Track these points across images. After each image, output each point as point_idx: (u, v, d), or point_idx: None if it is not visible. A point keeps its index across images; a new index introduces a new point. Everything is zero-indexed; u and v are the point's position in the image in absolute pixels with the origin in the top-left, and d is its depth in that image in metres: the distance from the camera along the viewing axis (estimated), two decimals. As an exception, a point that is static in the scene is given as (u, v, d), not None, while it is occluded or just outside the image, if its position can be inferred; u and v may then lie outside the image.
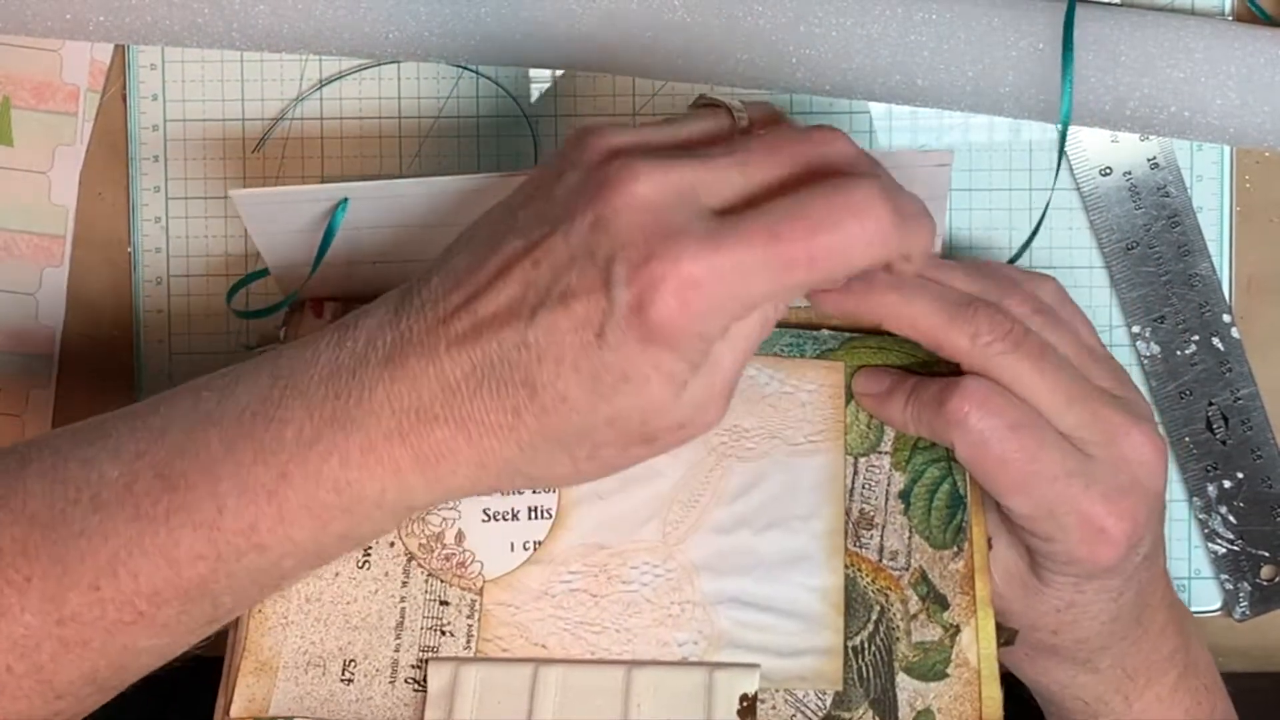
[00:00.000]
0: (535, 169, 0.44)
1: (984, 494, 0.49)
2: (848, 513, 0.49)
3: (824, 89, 0.57)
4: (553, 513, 0.49)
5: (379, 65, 0.59)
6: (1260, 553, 0.59)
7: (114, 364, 0.60)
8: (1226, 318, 0.58)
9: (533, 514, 0.49)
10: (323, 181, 0.59)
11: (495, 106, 0.59)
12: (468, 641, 0.48)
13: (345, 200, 0.50)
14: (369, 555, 0.49)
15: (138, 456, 0.44)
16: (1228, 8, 0.58)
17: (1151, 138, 0.58)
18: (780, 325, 0.50)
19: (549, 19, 0.57)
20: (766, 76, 0.57)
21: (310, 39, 0.58)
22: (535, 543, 0.49)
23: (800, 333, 0.51)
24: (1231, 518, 0.59)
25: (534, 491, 0.49)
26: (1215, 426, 0.58)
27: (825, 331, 0.51)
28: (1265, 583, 0.59)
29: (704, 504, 0.47)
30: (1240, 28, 0.56)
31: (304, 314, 0.53)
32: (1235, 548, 0.59)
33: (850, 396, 0.50)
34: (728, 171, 0.41)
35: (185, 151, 0.59)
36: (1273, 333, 0.59)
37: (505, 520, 0.49)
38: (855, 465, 0.50)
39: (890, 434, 0.50)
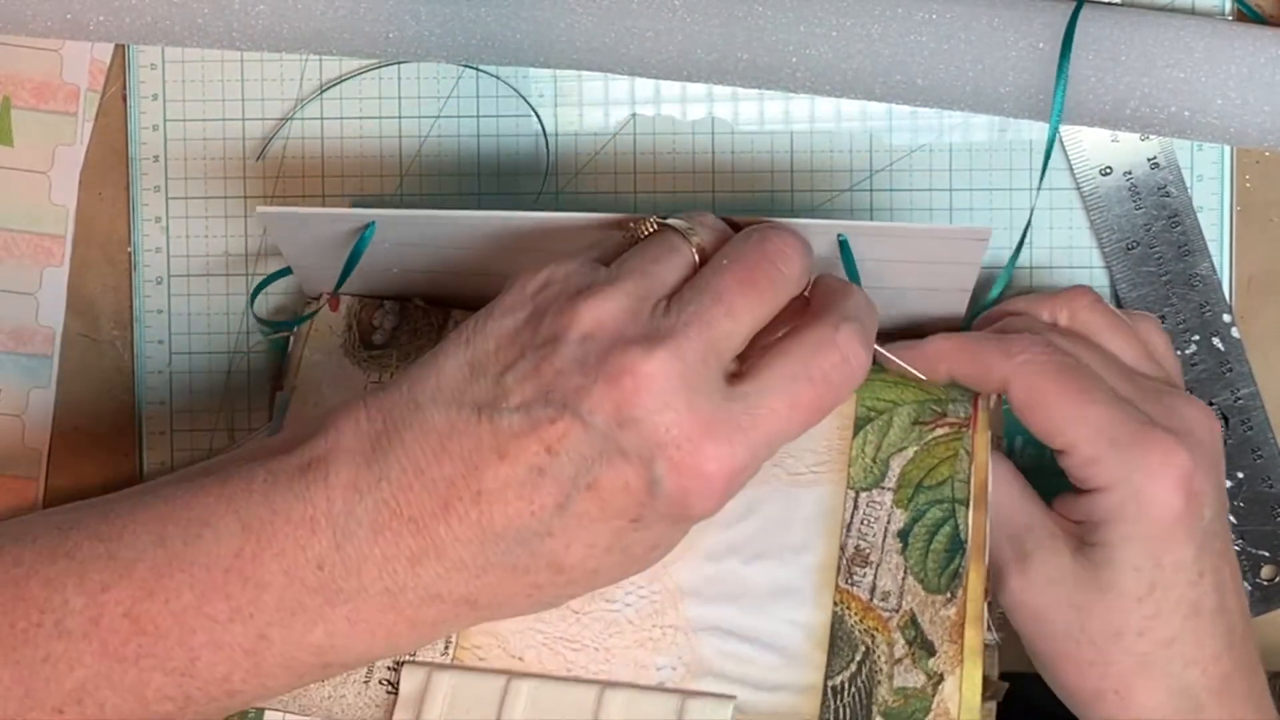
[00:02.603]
0: (499, 308, 0.43)
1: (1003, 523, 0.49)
2: (843, 548, 0.48)
3: (824, 89, 0.57)
4: None
5: (380, 69, 0.59)
6: (1260, 553, 0.59)
7: (114, 364, 0.60)
8: (1227, 318, 0.58)
9: None
10: (323, 183, 0.59)
11: (496, 107, 0.59)
12: (445, 648, 0.48)
13: (372, 224, 0.49)
14: None
15: (104, 589, 0.42)
16: (1228, 8, 0.58)
17: (1151, 137, 0.58)
18: None
19: (549, 19, 0.57)
20: (766, 76, 0.57)
21: (310, 39, 0.58)
22: None
23: None
24: (1231, 517, 0.59)
25: None
26: (1215, 426, 0.58)
27: None
28: (1265, 582, 0.59)
29: (700, 526, 0.47)
30: (1240, 27, 0.56)
31: (318, 309, 0.53)
32: (1235, 547, 0.59)
33: (858, 429, 0.49)
34: (723, 324, 0.42)
35: (185, 151, 0.59)
36: (1273, 333, 0.59)
37: None
38: (855, 500, 0.49)
39: (895, 470, 0.49)
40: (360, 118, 0.59)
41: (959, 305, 0.52)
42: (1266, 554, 0.59)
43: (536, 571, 0.41)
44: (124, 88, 0.59)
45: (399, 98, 0.59)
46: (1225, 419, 0.58)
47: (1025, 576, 0.49)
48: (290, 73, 0.59)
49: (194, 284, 0.59)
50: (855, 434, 0.49)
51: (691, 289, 0.43)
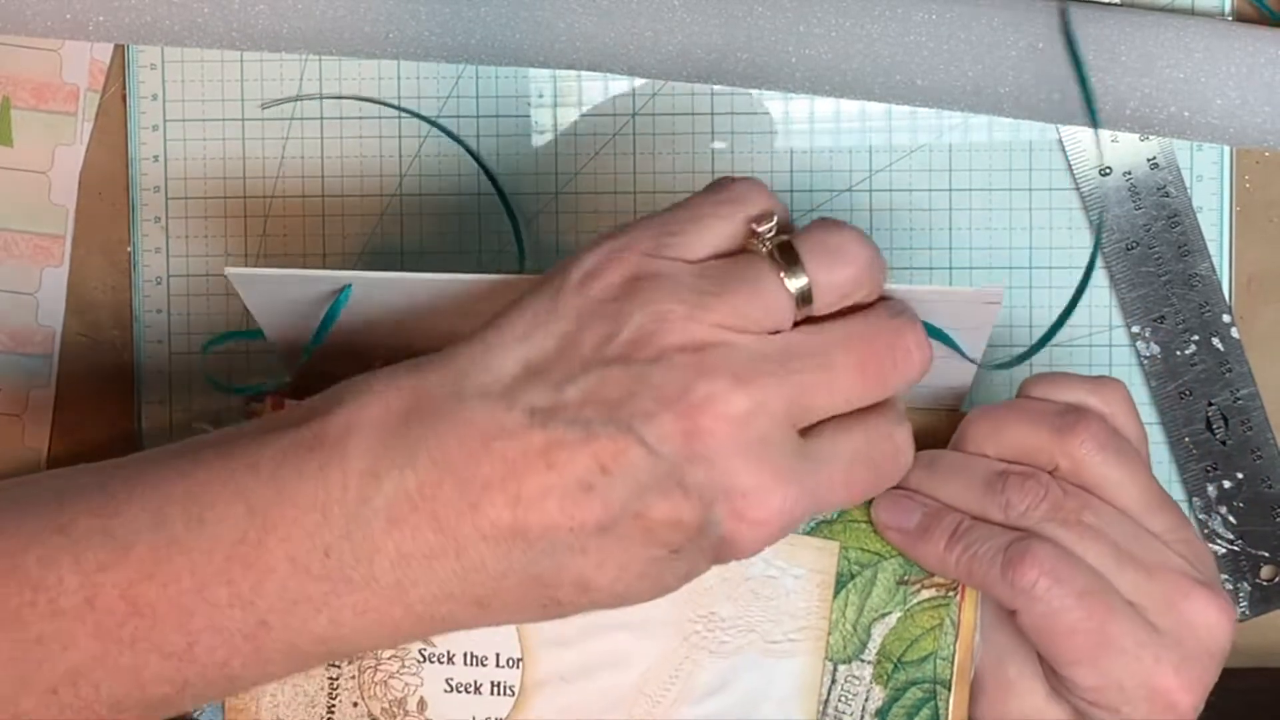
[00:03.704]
0: (563, 303, 0.40)
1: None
2: None
3: (824, 89, 0.57)
4: (515, 690, 0.47)
5: (380, 105, 0.59)
6: (1260, 553, 0.59)
7: (114, 364, 0.60)
8: (1226, 318, 0.58)
9: (495, 689, 0.48)
10: (323, 183, 0.59)
11: (496, 107, 0.59)
12: None
13: (348, 287, 0.47)
14: (332, 714, 0.48)
15: (100, 569, 0.41)
16: (1228, 8, 0.58)
17: (1151, 138, 0.58)
18: None
19: (549, 19, 0.57)
20: (766, 76, 0.57)
21: (310, 39, 0.58)
22: None
23: None
24: (1231, 518, 0.59)
25: (496, 664, 0.48)
26: (1215, 426, 0.58)
27: None
28: (1265, 583, 0.59)
29: (670, 700, 0.44)
30: (1240, 28, 0.56)
31: (265, 410, 0.50)
32: (1235, 548, 0.59)
33: (840, 587, 0.47)
34: (817, 393, 0.40)
35: (185, 151, 0.59)
36: (1273, 333, 0.59)
37: (468, 693, 0.48)
38: (833, 674, 0.47)
39: (876, 641, 0.47)
40: (360, 118, 0.59)
41: (966, 375, 0.50)
42: (1266, 554, 0.59)
43: (560, 586, 0.39)
44: (124, 88, 0.59)
45: (399, 98, 0.59)
46: (1225, 419, 0.58)
47: (1002, 707, 0.48)
48: (290, 73, 0.59)
49: (194, 284, 0.60)
50: (836, 593, 0.47)
51: (802, 342, 0.40)
